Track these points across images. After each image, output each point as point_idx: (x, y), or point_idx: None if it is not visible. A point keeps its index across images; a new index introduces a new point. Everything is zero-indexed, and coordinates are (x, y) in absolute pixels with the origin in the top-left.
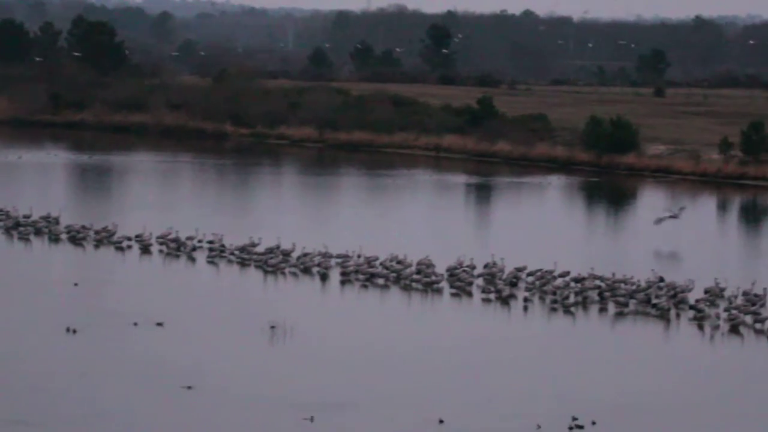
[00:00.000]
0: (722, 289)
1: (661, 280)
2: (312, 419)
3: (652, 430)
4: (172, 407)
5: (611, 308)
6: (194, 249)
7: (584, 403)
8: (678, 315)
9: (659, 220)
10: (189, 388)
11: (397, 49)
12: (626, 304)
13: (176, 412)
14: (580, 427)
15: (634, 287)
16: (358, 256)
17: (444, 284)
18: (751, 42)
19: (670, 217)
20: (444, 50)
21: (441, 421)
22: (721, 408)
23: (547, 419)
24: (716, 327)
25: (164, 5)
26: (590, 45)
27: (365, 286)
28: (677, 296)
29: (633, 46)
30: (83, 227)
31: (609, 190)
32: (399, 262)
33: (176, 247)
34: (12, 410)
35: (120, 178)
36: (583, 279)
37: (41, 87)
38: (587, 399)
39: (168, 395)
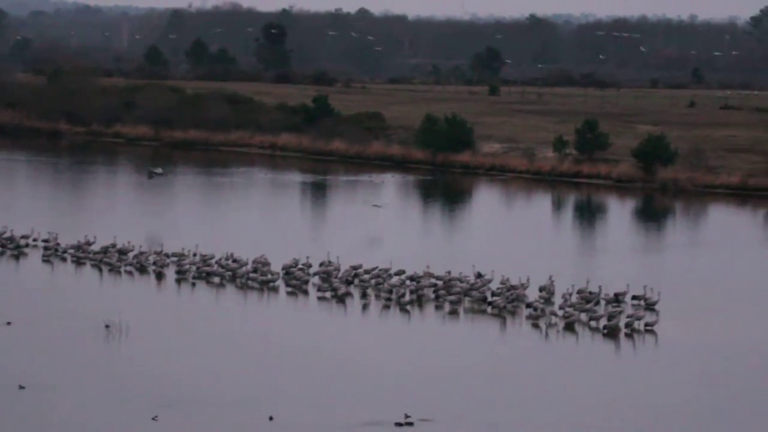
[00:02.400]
0: (544, 287)
1: (479, 275)
2: (155, 418)
3: (487, 430)
4: (5, 408)
5: (446, 306)
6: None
7: (415, 401)
8: (514, 313)
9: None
10: (22, 388)
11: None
12: (460, 302)
13: (7, 412)
14: (410, 424)
15: (469, 285)
16: (194, 255)
17: (280, 282)
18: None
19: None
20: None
21: (270, 418)
22: (551, 405)
23: (379, 416)
24: (552, 325)
25: None
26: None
27: (193, 284)
28: (512, 295)
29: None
30: None
31: (444, 189)
32: (235, 261)
33: (14, 246)
34: None
35: None
36: (419, 277)
37: None
38: (417, 397)
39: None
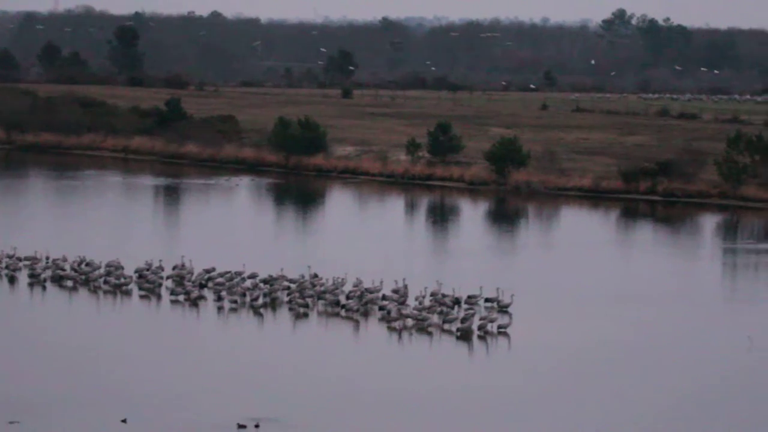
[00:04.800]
0: (397, 290)
1: (315, 276)
2: (13, 423)
3: (337, 428)
4: None
5: (299, 309)
6: None
7: (254, 403)
8: (367, 315)
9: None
10: None
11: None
12: (307, 305)
13: None
14: (257, 426)
15: (322, 288)
16: (47, 259)
17: (133, 286)
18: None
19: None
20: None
21: (124, 421)
22: (403, 405)
23: (226, 417)
24: (404, 327)
25: None
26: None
27: (44, 288)
28: (364, 296)
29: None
30: None
31: (297, 192)
32: (87, 264)
33: None
34: None
35: None
36: (273, 280)
37: None
38: (267, 398)
39: None
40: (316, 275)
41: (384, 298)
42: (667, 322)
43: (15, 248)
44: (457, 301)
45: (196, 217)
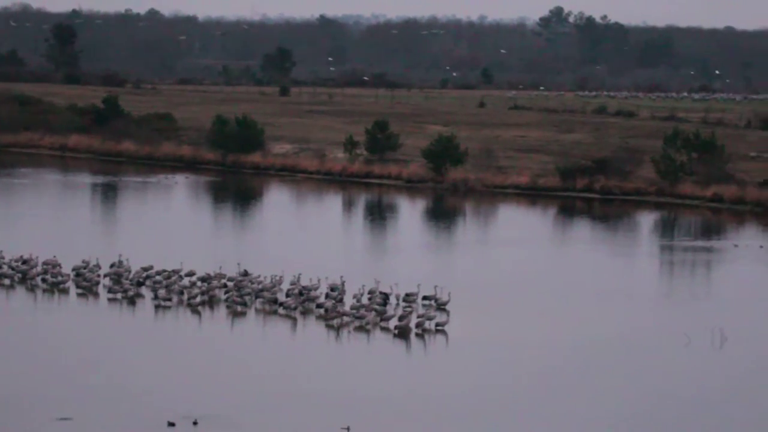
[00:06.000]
0: (336, 288)
1: (246, 273)
2: None
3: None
4: None
5: (238, 307)
6: None
7: (191, 400)
8: (306, 313)
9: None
10: None
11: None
12: (245, 303)
13: None
14: (195, 423)
15: (260, 286)
16: None
17: (70, 284)
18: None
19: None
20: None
21: (64, 419)
22: (342, 404)
23: (158, 415)
24: (344, 325)
25: None
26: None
27: None
28: (304, 294)
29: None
30: None
31: (235, 189)
32: (24, 263)
33: None
34: None
35: None
36: (210, 278)
37: None
38: (198, 397)
39: None
40: (246, 272)
41: (327, 296)
42: (605, 319)
43: None
44: (386, 298)
45: (134, 215)
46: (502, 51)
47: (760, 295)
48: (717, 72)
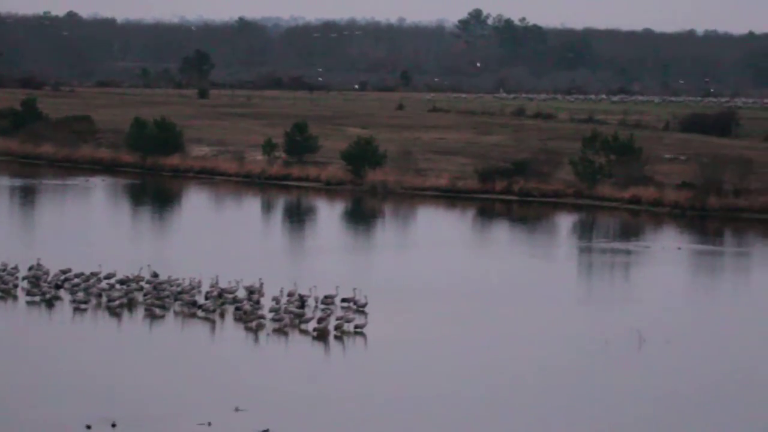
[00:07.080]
0: (254, 290)
1: (155, 275)
2: None
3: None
4: None
5: (156, 310)
6: None
7: (109, 403)
8: (224, 316)
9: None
10: None
11: None
12: (165, 306)
13: None
14: (113, 425)
15: (179, 288)
16: None
17: None
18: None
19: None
20: None
21: None
22: (264, 403)
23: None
24: (261, 327)
25: None
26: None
27: None
28: (222, 296)
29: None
30: None
31: (154, 192)
32: None
33: None
34: None
35: None
36: (129, 281)
37: None
38: (117, 400)
39: None
40: (156, 274)
41: (253, 299)
42: (522, 320)
43: None
44: (302, 300)
45: (52, 218)
46: (421, 54)
47: (678, 297)
48: (634, 77)
